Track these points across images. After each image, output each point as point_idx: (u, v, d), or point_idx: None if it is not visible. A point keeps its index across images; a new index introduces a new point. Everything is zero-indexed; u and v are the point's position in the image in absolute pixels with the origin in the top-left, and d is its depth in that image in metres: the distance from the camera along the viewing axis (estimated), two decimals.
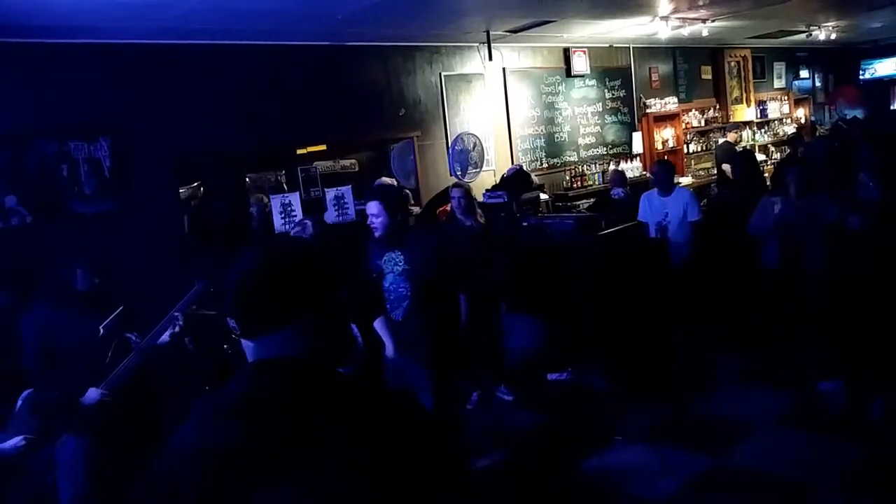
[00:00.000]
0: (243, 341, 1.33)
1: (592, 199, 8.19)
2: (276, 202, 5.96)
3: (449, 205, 6.33)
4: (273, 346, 1.29)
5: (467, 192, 5.50)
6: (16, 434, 3.15)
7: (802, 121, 12.83)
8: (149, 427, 4.07)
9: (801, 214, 4.96)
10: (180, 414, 1.36)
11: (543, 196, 7.64)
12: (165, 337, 3.73)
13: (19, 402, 3.21)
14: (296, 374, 1.27)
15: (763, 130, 11.67)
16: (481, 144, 7.45)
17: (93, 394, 3.48)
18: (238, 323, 1.32)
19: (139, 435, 3.93)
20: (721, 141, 10.20)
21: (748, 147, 10.69)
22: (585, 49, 8.65)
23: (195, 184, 6.87)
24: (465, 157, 7.15)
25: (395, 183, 7.35)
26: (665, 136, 9.98)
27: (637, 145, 9.52)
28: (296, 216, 5.95)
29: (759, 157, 10.18)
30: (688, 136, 10.40)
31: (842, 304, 4.50)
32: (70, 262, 3.96)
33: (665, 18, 7.33)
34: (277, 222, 5.92)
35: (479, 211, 5.57)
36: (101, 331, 3.66)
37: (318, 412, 1.21)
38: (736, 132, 10.10)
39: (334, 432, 1.18)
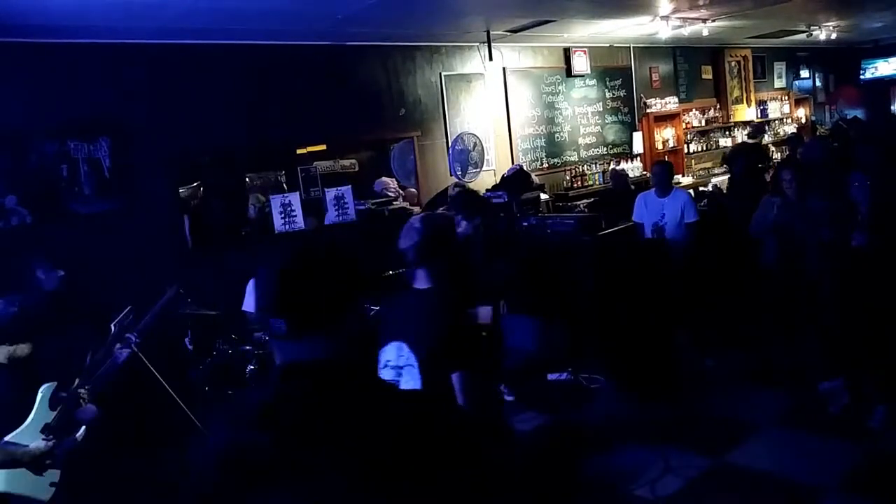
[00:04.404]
0: (275, 343, 1.32)
1: (592, 199, 8.19)
2: (275, 202, 5.96)
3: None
4: (310, 347, 1.28)
5: None
6: (35, 427, 3.16)
7: (803, 121, 12.83)
8: (144, 426, 4.08)
9: (798, 216, 4.95)
10: (177, 414, 1.37)
11: (543, 196, 7.64)
12: (124, 355, 3.69)
13: (39, 396, 3.21)
14: (328, 378, 1.26)
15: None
16: (481, 144, 7.45)
17: (89, 410, 3.48)
18: (282, 322, 1.29)
19: (134, 434, 3.94)
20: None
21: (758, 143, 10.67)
22: (586, 49, 8.65)
23: (195, 184, 6.87)
24: (466, 156, 7.15)
25: (395, 183, 7.35)
26: (665, 135, 9.98)
27: (637, 145, 9.52)
28: (296, 216, 5.95)
29: None
30: (688, 136, 10.40)
31: (840, 307, 4.50)
32: (28, 263, 3.96)
33: (665, 18, 7.33)
34: (277, 222, 5.91)
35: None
36: (113, 328, 3.68)
37: (349, 417, 1.20)
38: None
39: (364, 438, 1.18)
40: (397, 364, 2.47)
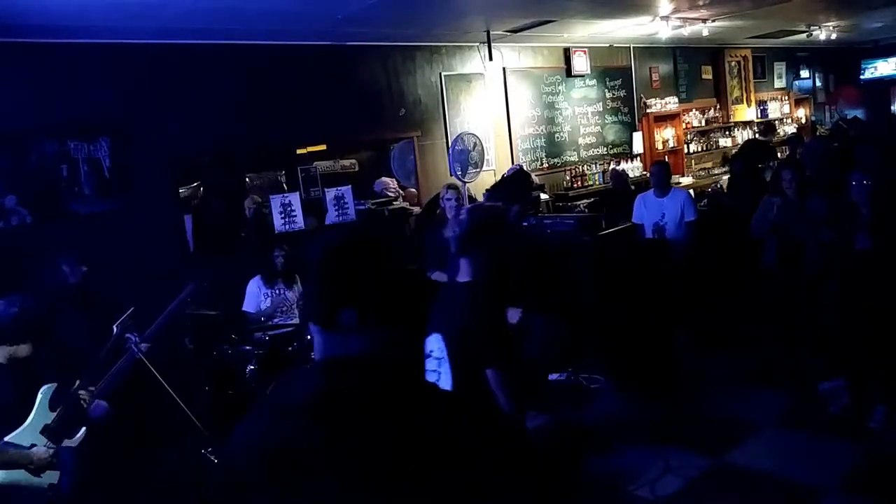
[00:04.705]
0: (316, 336, 1.28)
1: (592, 199, 8.19)
2: (275, 202, 5.96)
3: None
4: (354, 340, 1.24)
5: (459, 195, 5.47)
6: (34, 428, 3.16)
7: (803, 121, 12.83)
8: (144, 426, 4.09)
9: (798, 216, 4.95)
10: (176, 414, 1.36)
11: (543, 196, 7.64)
12: (142, 349, 3.79)
13: (39, 397, 3.21)
14: (373, 374, 1.22)
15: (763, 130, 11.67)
16: (481, 144, 7.44)
17: (101, 406, 3.49)
18: (352, 312, 1.25)
19: (138, 430, 3.94)
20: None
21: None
22: (586, 49, 8.65)
23: (195, 184, 6.87)
24: (465, 156, 7.14)
25: (395, 183, 7.35)
26: (665, 136, 9.98)
27: (637, 145, 9.52)
28: (296, 216, 5.95)
29: None
30: (688, 136, 10.40)
31: (841, 307, 4.49)
32: (53, 259, 4.01)
33: (665, 18, 7.33)
34: (277, 222, 5.91)
35: None
36: (115, 329, 3.69)
37: (391, 416, 1.17)
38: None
39: (407, 437, 1.15)
40: (438, 356, 2.49)
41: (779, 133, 11.66)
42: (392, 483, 1.12)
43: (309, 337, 4.49)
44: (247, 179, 7.30)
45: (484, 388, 2.45)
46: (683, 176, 9.84)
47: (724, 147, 10.87)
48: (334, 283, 1.28)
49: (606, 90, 9.16)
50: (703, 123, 10.58)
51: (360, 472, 1.12)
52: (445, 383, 2.47)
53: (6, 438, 3.07)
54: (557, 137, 8.55)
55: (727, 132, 11.06)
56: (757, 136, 10.75)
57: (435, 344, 2.50)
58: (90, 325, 3.89)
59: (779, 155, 10.56)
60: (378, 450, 1.13)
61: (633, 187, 7.97)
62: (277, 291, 5.19)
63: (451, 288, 2.65)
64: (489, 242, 2.59)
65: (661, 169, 6.16)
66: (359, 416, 1.16)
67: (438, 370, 2.47)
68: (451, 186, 5.53)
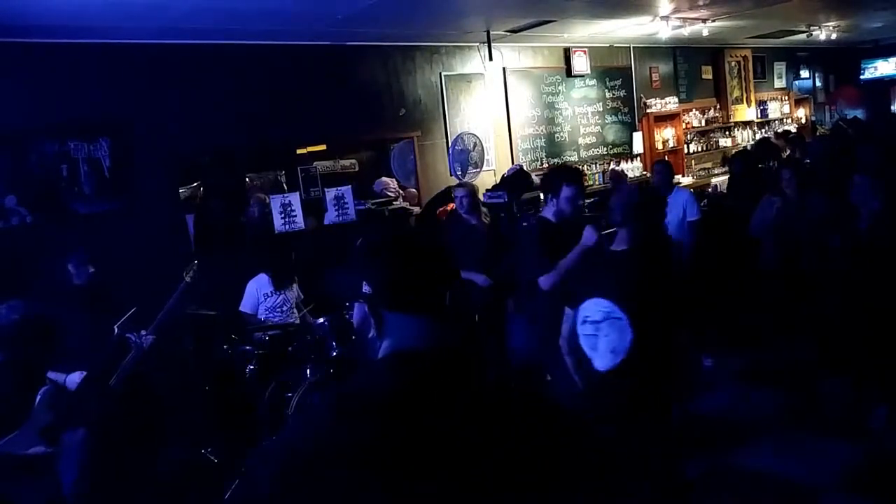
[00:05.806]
0: (393, 331, 1.24)
1: (592, 199, 8.18)
2: (275, 202, 5.96)
3: (450, 205, 6.31)
4: (417, 330, 1.22)
5: (472, 192, 5.49)
6: (31, 431, 3.15)
7: (803, 121, 12.82)
8: (147, 424, 4.10)
9: (798, 215, 4.95)
10: (178, 412, 1.34)
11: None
12: (149, 341, 3.79)
13: (38, 398, 3.22)
14: (436, 370, 1.19)
15: (763, 130, 11.68)
16: (481, 144, 7.44)
17: (75, 377, 3.49)
18: (405, 290, 1.24)
19: (138, 431, 3.95)
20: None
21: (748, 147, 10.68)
22: (586, 49, 8.65)
23: (195, 184, 6.87)
24: (466, 157, 7.15)
25: (395, 183, 7.35)
26: (665, 136, 9.98)
27: (637, 145, 9.52)
28: (296, 216, 5.95)
29: None
30: (688, 136, 10.40)
31: (842, 307, 4.49)
32: (60, 259, 4.03)
33: (665, 18, 7.33)
34: (277, 222, 5.91)
35: (483, 210, 5.57)
36: (116, 330, 3.69)
37: (460, 413, 1.14)
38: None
39: (475, 436, 1.13)
40: (595, 319, 2.72)
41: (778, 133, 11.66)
42: (460, 483, 1.10)
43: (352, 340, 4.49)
44: (247, 179, 7.30)
45: (664, 342, 2.81)
46: (683, 176, 9.83)
47: (724, 147, 10.87)
48: (438, 264, 1.28)
49: (606, 90, 9.16)
50: (703, 123, 10.58)
51: (431, 473, 1.09)
52: (603, 345, 2.71)
53: (4, 440, 3.07)
54: (557, 137, 8.55)
55: (727, 132, 11.06)
56: (769, 134, 10.75)
57: (592, 308, 2.73)
58: (93, 326, 3.89)
59: (782, 155, 10.59)
60: (449, 451, 1.11)
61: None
62: (279, 292, 5.19)
63: (609, 256, 2.96)
64: (647, 216, 2.95)
65: (665, 168, 6.16)
66: (432, 415, 1.14)
67: (596, 333, 2.73)
68: (461, 185, 5.60)
